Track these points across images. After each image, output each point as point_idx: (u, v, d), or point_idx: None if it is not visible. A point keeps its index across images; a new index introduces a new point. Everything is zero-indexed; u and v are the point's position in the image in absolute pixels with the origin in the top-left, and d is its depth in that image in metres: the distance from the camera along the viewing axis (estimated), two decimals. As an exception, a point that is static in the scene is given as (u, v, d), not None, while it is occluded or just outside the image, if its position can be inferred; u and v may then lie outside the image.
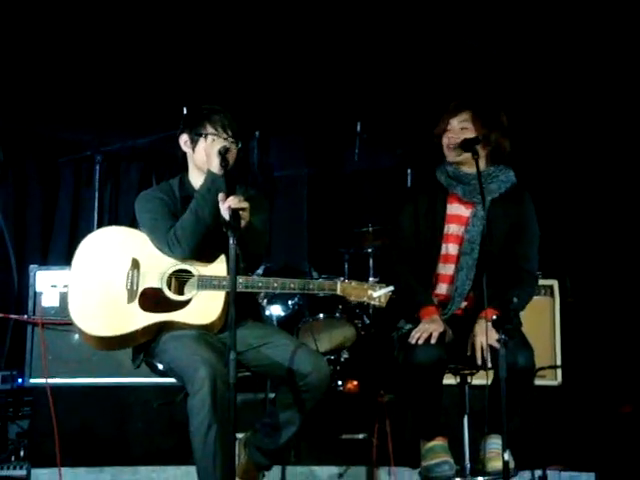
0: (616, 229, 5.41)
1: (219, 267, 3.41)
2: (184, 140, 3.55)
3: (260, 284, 3.39)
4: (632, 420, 4.40)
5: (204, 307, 3.39)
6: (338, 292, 3.37)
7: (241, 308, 3.16)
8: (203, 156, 3.47)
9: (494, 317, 3.20)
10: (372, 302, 3.36)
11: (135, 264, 3.45)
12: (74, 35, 5.44)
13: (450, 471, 3.40)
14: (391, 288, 3.34)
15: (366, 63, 5.73)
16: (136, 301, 3.40)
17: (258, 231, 3.45)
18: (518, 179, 3.66)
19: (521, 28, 5.41)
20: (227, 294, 3.36)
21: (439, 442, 3.46)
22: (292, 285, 3.39)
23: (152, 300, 3.40)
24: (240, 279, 3.33)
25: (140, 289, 3.42)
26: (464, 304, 3.60)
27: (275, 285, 3.40)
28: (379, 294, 3.34)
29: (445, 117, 3.63)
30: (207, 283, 3.39)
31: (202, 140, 3.48)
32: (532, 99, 5.59)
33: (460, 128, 3.59)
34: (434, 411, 3.46)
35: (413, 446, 3.61)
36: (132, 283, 3.42)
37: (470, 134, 3.57)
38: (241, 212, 3.24)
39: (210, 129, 3.47)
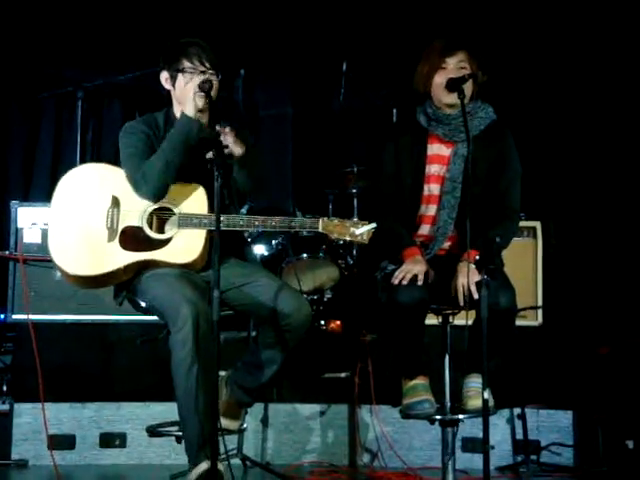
0: (599, 172, 5.41)
1: (200, 205, 3.39)
2: (165, 78, 3.49)
3: (242, 222, 3.37)
4: (609, 361, 4.46)
5: (185, 245, 3.37)
6: (320, 230, 3.36)
7: (224, 247, 3.15)
8: (180, 92, 3.43)
9: (476, 257, 3.21)
10: (354, 239, 3.35)
11: (115, 202, 3.42)
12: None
13: (430, 409, 3.43)
14: (373, 225, 3.33)
15: (353, 1, 5.65)
16: (116, 240, 3.38)
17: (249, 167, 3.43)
18: (500, 116, 3.62)
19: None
20: (208, 232, 3.35)
21: (420, 381, 3.47)
22: (274, 223, 3.38)
23: (133, 239, 3.38)
24: (222, 217, 3.28)
25: (120, 228, 3.39)
26: (447, 244, 3.60)
27: (257, 223, 3.39)
28: (361, 231, 3.33)
29: (438, 55, 3.54)
30: (188, 221, 3.37)
31: (180, 76, 3.42)
32: (517, 33, 5.54)
33: (459, 68, 3.52)
34: (416, 350, 3.48)
35: (394, 385, 3.64)
36: (112, 221, 3.40)
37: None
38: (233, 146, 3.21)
39: (186, 63, 3.41)
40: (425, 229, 3.62)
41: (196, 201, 3.40)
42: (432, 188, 3.59)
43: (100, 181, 3.47)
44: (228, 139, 3.31)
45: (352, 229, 3.34)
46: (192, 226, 3.37)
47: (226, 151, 3.24)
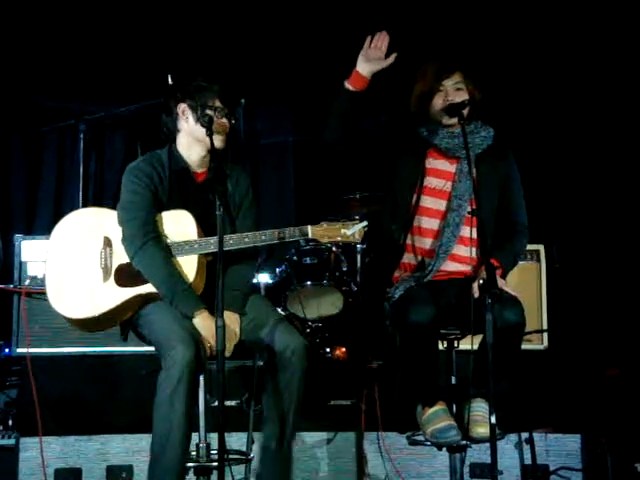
0: (601, 193, 5.41)
1: (190, 230, 3.41)
2: (182, 109, 3.48)
3: (231, 241, 3.37)
4: (617, 383, 4.44)
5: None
6: (310, 236, 3.37)
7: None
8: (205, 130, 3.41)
9: (481, 281, 3.21)
10: (346, 240, 3.36)
11: (107, 242, 3.46)
12: (57, 2, 5.38)
13: (457, 436, 3.37)
14: (364, 223, 3.34)
15: (352, 29, 5.68)
16: (111, 278, 3.41)
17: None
18: (501, 136, 3.65)
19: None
20: (200, 257, 3.38)
21: (441, 406, 3.44)
22: (263, 237, 3.38)
23: (127, 275, 3.40)
24: (211, 239, 3.34)
25: (114, 266, 3.43)
26: (453, 267, 3.57)
27: (246, 240, 3.39)
28: (353, 231, 3.34)
29: (434, 77, 3.57)
30: (179, 249, 3.39)
31: (209, 113, 3.40)
32: (516, 58, 5.58)
33: (456, 89, 3.56)
34: (433, 375, 3.45)
35: (401, 411, 3.61)
36: (106, 261, 3.43)
37: (464, 95, 3.55)
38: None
39: (218, 103, 3.44)
40: (427, 242, 3.60)
41: (185, 228, 3.42)
42: (431, 201, 3.60)
43: (91, 225, 3.51)
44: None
45: (342, 230, 3.36)
46: (184, 253, 3.39)
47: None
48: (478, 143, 3.58)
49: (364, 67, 3.44)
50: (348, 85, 3.45)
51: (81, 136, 5.29)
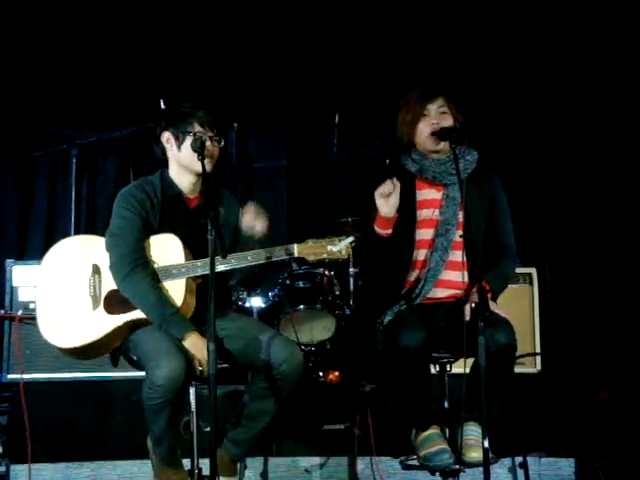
0: (594, 218, 5.43)
1: (177, 254, 3.41)
2: (166, 138, 3.50)
3: (219, 262, 3.36)
4: (610, 406, 4.43)
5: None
6: (296, 254, 3.37)
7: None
8: (189, 155, 3.42)
9: (473, 304, 3.20)
10: (333, 257, 3.35)
11: (96, 270, 3.45)
12: (49, 27, 5.40)
13: (450, 459, 3.35)
14: (351, 239, 3.33)
15: (344, 54, 5.72)
16: (101, 306, 3.41)
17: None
18: (486, 160, 3.66)
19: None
20: (188, 280, 3.38)
21: (435, 430, 3.43)
22: (250, 257, 3.38)
23: (116, 302, 3.40)
24: (198, 262, 3.34)
25: (103, 293, 3.42)
26: (445, 293, 3.57)
27: (233, 262, 3.39)
28: (339, 247, 3.33)
29: (419, 103, 3.58)
30: (167, 274, 3.39)
31: (189, 138, 3.43)
32: (505, 83, 5.60)
33: (440, 113, 3.57)
34: (426, 399, 3.44)
35: (395, 435, 3.59)
36: (95, 289, 3.43)
37: (449, 119, 3.56)
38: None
39: (197, 127, 3.44)
40: (414, 274, 3.60)
41: (172, 251, 3.41)
42: (423, 233, 3.60)
43: (80, 253, 3.50)
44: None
45: (329, 247, 3.35)
46: (172, 277, 3.38)
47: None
48: (463, 168, 3.57)
49: (387, 208, 3.44)
50: (383, 233, 3.47)
51: (73, 161, 5.30)
